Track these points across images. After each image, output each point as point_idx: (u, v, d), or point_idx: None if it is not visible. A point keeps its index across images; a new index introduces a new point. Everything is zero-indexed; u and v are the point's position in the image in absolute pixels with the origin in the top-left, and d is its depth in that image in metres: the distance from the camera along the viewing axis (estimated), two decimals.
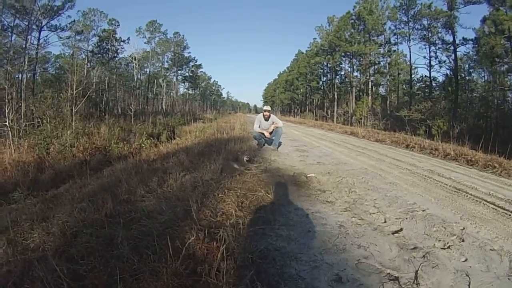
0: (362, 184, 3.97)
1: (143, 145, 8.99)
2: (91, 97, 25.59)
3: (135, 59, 35.76)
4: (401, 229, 2.47)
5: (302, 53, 47.90)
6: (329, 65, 36.84)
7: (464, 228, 2.50)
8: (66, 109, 8.91)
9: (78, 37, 29.51)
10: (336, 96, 35.63)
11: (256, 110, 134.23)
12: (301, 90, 49.11)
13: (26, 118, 8.82)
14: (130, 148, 8.37)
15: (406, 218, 2.69)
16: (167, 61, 44.50)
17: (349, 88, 33.72)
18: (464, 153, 6.58)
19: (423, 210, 2.90)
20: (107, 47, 31.23)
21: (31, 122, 8.43)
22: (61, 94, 9.45)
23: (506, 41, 18.35)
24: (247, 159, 4.86)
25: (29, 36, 21.79)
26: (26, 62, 20.50)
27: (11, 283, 1.97)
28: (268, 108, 7.17)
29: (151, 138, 13.31)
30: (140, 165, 5.59)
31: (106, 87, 31.97)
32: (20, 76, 20.40)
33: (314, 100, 45.46)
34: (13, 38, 21.79)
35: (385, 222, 2.62)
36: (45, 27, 22.97)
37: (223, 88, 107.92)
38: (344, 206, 3.04)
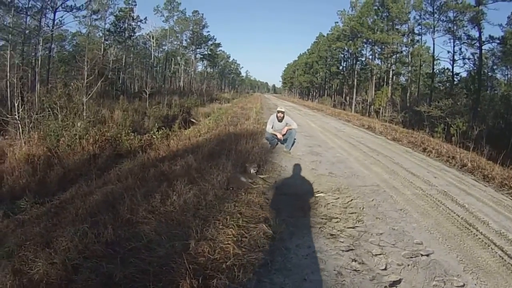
0: (371, 209, 3.88)
1: (154, 136, 9.08)
2: (107, 76, 25.75)
3: (152, 38, 35.58)
4: (400, 281, 2.39)
5: (323, 36, 46.72)
6: (350, 51, 35.72)
7: (463, 285, 2.39)
8: (77, 99, 9.00)
9: (94, 16, 29.15)
10: (355, 83, 34.81)
11: (275, 90, 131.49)
12: (320, 74, 48.37)
13: (38, 108, 8.94)
14: (140, 141, 8.47)
15: (408, 265, 2.60)
16: (185, 40, 44.31)
17: (369, 76, 32.73)
18: (481, 165, 6.34)
19: (427, 255, 2.79)
20: (123, 26, 30.96)
21: (42, 113, 8.57)
22: (72, 84, 9.55)
23: None
24: (255, 170, 4.78)
25: (43, 18, 21.45)
26: (41, 44, 20.39)
27: None
28: (282, 109, 7.06)
29: (165, 124, 13.31)
30: (148, 165, 5.64)
31: (123, 65, 32.01)
32: (34, 54, 20.45)
33: (333, 85, 44.71)
34: (27, 19, 21.66)
35: (385, 269, 2.55)
36: (60, 7, 22.52)
37: (242, 67, 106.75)
38: (347, 242, 2.97)
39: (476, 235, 3.27)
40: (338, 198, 4.25)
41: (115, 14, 30.95)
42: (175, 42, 43.88)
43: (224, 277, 2.20)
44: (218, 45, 50.64)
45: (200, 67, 54.34)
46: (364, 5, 31.03)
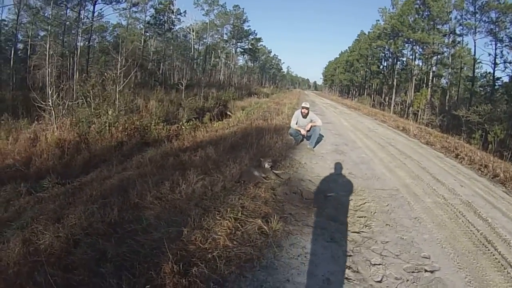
0: (383, 215, 3.58)
1: (183, 127, 9.25)
2: (146, 67, 26.58)
3: (192, 31, 36.11)
4: None
5: (365, 34, 44.83)
6: (390, 50, 34.07)
7: None
8: (110, 88, 9.39)
9: (134, 9, 29.69)
10: (395, 83, 33.22)
11: (316, 87, 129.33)
12: (361, 73, 46.65)
13: (71, 96, 9.43)
14: (168, 131, 8.65)
15: (407, 281, 2.33)
16: (226, 33, 44.05)
17: (409, 76, 31.00)
18: None
19: (432, 271, 2.48)
20: (163, 19, 31.25)
21: (76, 100, 9.03)
22: (105, 74, 9.99)
23: None
24: (270, 165, 4.60)
25: (82, 10, 22.06)
26: (80, 34, 21.14)
27: (17, 284, 2.19)
28: (307, 105, 6.78)
29: (199, 115, 13.48)
30: (170, 154, 5.77)
31: (163, 57, 32.75)
32: (74, 45, 21.24)
33: (373, 85, 42.95)
34: (67, 11, 22.65)
35: (380, 281, 2.31)
36: (99, 0, 22.95)
37: (283, 62, 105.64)
38: (347, 247, 2.77)
39: (493, 255, 2.86)
40: (351, 200, 4.00)
41: (155, 7, 30.87)
42: (216, 36, 43.68)
43: (204, 266, 2.17)
44: (259, 39, 49.88)
45: (241, 61, 54.11)
46: (405, 3, 29.16)
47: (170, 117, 12.36)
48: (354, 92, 53.13)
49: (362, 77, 47.24)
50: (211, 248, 2.45)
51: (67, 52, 20.64)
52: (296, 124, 6.71)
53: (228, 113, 16.78)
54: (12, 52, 23.66)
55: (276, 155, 5.59)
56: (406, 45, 30.73)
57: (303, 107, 6.72)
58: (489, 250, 2.96)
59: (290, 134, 6.89)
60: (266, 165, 4.56)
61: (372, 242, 2.92)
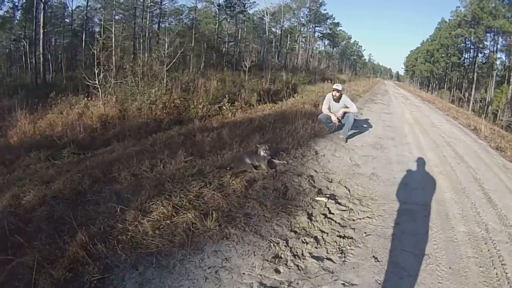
0: (379, 240, 2.60)
1: (224, 107, 9.38)
2: (219, 49, 27.60)
3: (267, 14, 35.93)
4: None
5: (445, 22, 40.03)
6: (471, 40, 29.79)
7: None
8: (158, 68, 10.01)
9: None
10: (475, 78, 29.07)
11: (398, 78, 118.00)
12: (441, 64, 40.99)
13: (121, 75, 10.34)
14: (208, 111, 8.86)
15: None
16: (302, 17, 42.42)
17: (490, 71, 26.32)
18: None
19: None
20: (234, 1, 31.68)
21: (124, 79, 9.88)
22: (153, 54, 10.66)
23: None
24: (266, 153, 4.15)
25: None
26: (148, 18, 22.95)
27: None
28: (339, 87, 5.85)
29: (262, 97, 13.54)
30: (188, 133, 5.97)
31: (239, 39, 33.34)
32: (142, 28, 22.97)
33: (453, 78, 38.08)
34: None
35: None
36: None
37: (364, 49, 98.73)
38: (284, 277, 2.09)
39: None
40: (348, 210, 3.08)
41: None
42: (293, 19, 42.59)
43: (105, 247, 2.25)
44: (337, 24, 47.82)
45: (321, 46, 52.00)
46: None
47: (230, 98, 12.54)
48: (434, 85, 48.01)
49: (443, 68, 41.71)
50: (132, 231, 2.45)
51: (136, 34, 22.62)
52: (329, 109, 5.94)
53: (294, 96, 16.45)
54: (84, 35, 25.79)
55: (290, 142, 5.06)
56: (488, 34, 26.37)
57: (333, 89, 5.86)
58: None
59: (320, 120, 6.08)
60: (262, 153, 4.15)
61: (329, 279, 2.10)
